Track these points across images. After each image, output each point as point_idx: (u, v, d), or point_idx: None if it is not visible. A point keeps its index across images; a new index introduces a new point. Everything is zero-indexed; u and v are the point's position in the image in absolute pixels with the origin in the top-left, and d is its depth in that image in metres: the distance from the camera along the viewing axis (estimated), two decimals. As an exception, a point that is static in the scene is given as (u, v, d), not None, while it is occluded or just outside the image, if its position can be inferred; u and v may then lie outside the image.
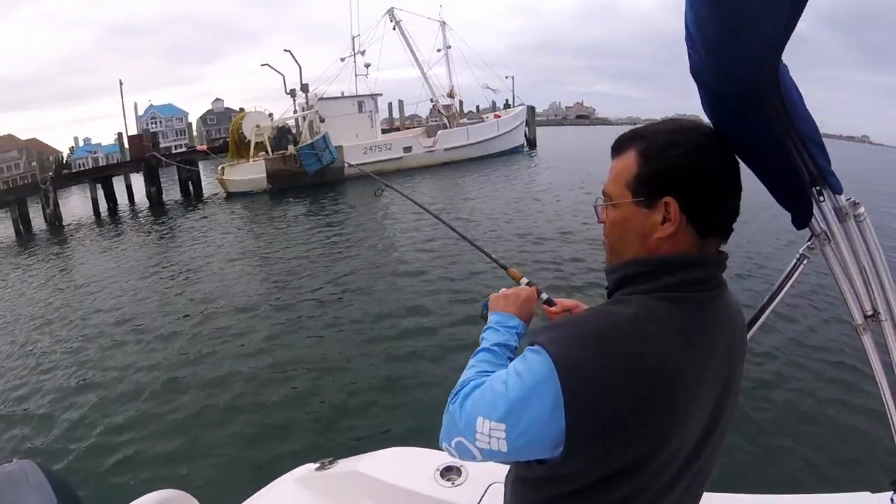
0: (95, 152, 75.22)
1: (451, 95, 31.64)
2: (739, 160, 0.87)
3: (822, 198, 0.93)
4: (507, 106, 38.42)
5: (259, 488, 1.97)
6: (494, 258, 1.47)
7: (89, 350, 7.00)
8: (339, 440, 4.38)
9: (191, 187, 24.82)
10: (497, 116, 32.43)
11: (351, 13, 48.12)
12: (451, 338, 6.13)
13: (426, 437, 1.67)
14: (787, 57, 0.77)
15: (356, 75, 28.89)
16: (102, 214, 22.40)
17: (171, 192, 24.85)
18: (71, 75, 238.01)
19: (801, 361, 5.48)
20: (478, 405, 0.81)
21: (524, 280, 1.24)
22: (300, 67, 26.68)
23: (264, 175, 22.95)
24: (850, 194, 0.94)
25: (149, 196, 23.83)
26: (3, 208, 22.73)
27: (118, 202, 23.54)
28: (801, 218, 0.96)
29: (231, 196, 22.57)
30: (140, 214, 21.98)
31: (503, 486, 1.01)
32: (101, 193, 23.24)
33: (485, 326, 1.04)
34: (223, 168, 23.67)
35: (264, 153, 23.84)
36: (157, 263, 12.14)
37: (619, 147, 0.90)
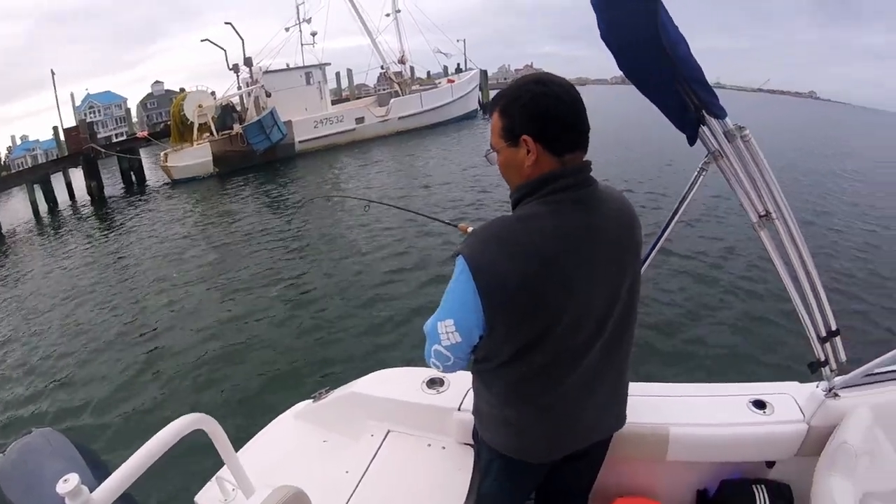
0: (34, 150, 70.90)
1: (401, 62, 30.59)
2: (644, 96, 1.19)
3: (704, 122, 1.23)
4: (458, 70, 37.50)
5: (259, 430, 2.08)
6: (447, 221, 2.00)
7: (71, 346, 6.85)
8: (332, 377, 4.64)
9: (133, 178, 23.55)
10: (450, 82, 31.45)
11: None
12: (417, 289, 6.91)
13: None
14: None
15: (302, 45, 27.42)
16: (42, 217, 20.98)
17: (114, 185, 23.54)
18: (2, 71, 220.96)
19: (714, 261, 6.50)
20: (435, 316, 1.12)
21: (471, 229, 1.44)
22: (242, 41, 25.06)
23: (210, 158, 21.67)
24: (736, 121, 1.23)
25: (90, 191, 22.46)
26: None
27: (58, 202, 22.06)
28: (691, 137, 1.26)
29: (176, 183, 21.27)
30: (82, 212, 20.67)
31: None
32: (40, 195, 21.72)
33: None
34: (166, 154, 22.17)
35: (209, 135, 22.56)
36: (100, 264, 11.51)
37: (490, 108, 1.17)
